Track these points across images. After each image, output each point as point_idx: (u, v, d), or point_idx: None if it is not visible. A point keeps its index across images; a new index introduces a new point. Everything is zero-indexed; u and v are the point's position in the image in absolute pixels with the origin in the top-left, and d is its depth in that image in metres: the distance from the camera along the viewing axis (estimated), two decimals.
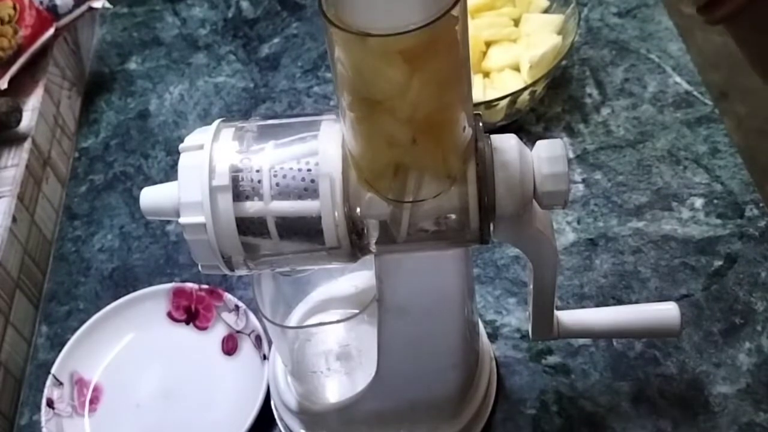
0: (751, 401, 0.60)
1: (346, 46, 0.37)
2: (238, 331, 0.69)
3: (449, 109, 0.41)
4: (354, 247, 0.44)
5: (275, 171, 0.43)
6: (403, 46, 0.36)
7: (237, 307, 0.70)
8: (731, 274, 0.67)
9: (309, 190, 0.42)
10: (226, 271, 0.46)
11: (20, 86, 0.85)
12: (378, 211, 0.43)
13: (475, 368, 0.60)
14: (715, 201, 0.72)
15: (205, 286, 0.71)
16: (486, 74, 0.80)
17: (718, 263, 0.68)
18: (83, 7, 0.90)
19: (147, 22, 1.02)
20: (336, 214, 0.42)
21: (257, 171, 0.43)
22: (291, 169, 0.43)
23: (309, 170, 0.42)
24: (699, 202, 0.72)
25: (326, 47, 0.39)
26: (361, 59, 0.38)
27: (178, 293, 0.72)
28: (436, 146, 0.41)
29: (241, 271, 0.46)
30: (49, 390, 0.67)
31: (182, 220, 0.44)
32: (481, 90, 0.78)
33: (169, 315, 0.72)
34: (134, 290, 0.72)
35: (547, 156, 0.44)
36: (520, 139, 0.45)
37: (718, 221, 0.70)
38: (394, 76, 0.38)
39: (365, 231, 0.44)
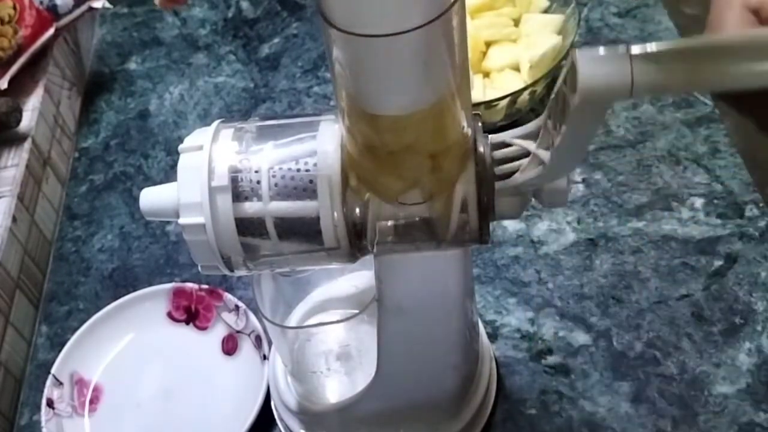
0: (751, 401, 0.60)
1: (358, 124, 0.40)
2: (238, 331, 0.69)
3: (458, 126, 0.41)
4: (353, 247, 0.44)
5: (274, 171, 0.43)
6: (411, 120, 0.38)
7: (237, 307, 0.70)
8: (731, 274, 0.67)
9: (308, 191, 0.42)
10: (226, 272, 0.46)
11: (20, 86, 0.85)
12: (377, 212, 0.43)
13: (475, 368, 0.60)
14: (715, 201, 0.72)
15: (205, 286, 0.71)
16: (486, 74, 0.80)
17: (718, 263, 0.68)
18: (83, 7, 0.90)
19: (147, 22, 1.02)
20: (335, 214, 0.42)
21: (256, 171, 0.43)
22: (290, 169, 0.43)
23: (308, 170, 0.42)
24: (699, 202, 0.72)
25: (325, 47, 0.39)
26: (373, 133, 0.40)
27: (178, 293, 0.72)
28: (452, 165, 0.42)
29: (241, 272, 0.46)
30: (49, 390, 0.67)
31: (182, 220, 0.44)
32: (481, 90, 0.78)
33: (169, 315, 0.72)
34: (134, 290, 0.72)
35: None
36: None
37: (718, 221, 0.70)
38: (405, 139, 0.40)
39: (364, 231, 0.44)
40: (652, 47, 0.33)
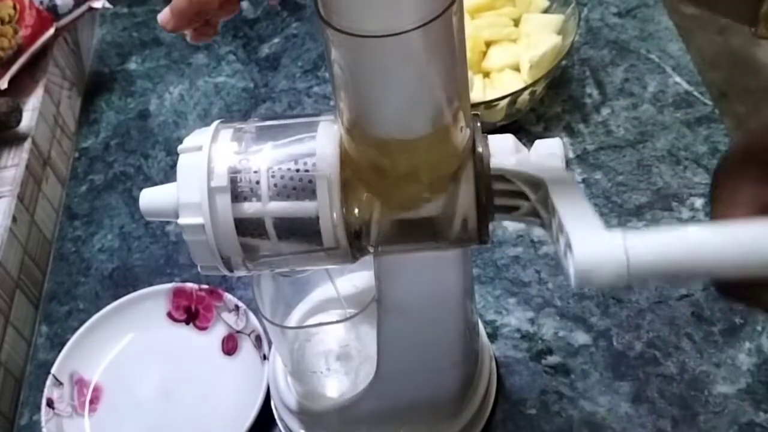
0: (751, 401, 0.60)
1: (361, 143, 0.41)
2: (238, 331, 0.69)
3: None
4: (352, 247, 0.44)
5: (273, 172, 0.43)
6: (414, 144, 0.40)
7: (237, 307, 0.70)
8: None
9: (307, 191, 0.42)
10: (226, 272, 0.46)
11: (20, 86, 0.85)
12: (376, 211, 0.43)
13: (475, 368, 0.60)
14: None
15: (205, 286, 0.71)
16: (486, 74, 0.80)
17: None
18: (83, 7, 0.90)
19: (147, 22, 1.02)
20: (334, 214, 0.42)
21: (255, 172, 0.43)
22: (289, 169, 0.43)
23: (307, 171, 0.42)
24: (699, 202, 0.72)
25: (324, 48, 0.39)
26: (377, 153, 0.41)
27: (178, 293, 0.72)
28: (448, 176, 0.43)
29: (240, 272, 0.46)
30: (49, 390, 0.67)
31: (181, 221, 0.44)
32: (481, 90, 0.78)
33: (169, 315, 0.72)
34: (134, 290, 0.72)
35: (545, 155, 0.44)
36: (520, 139, 0.45)
37: None
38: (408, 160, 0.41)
39: (363, 231, 0.44)
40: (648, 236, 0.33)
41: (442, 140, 0.41)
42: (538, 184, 0.41)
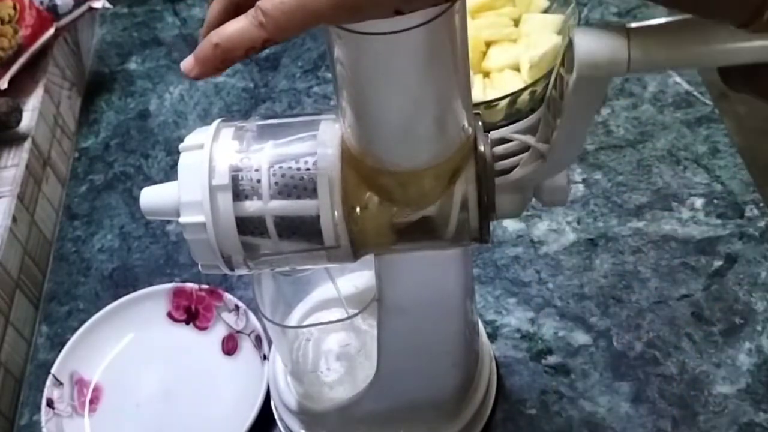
0: (751, 401, 0.60)
1: (368, 174, 0.42)
2: (238, 331, 0.69)
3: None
4: (353, 246, 0.44)
5: (274, 170, 0.43)
6: (423, 173, 0.41)
7: (237, 307, 0.70)
8: (731, 274, 0.67)
9: (308, 190, 0.42)
10: (226, 271, 0.46)
11: (20, 86, 0.85)
12: (376, 211, 0.43)
13: (474, 368, 0.60)
14: (715, 201, 0.72)
15: (205, 286, 0.71)
16: (486, 74, 0.80)
17: (718, 263, 0.68)
18: (83, 7, 0.90)
19: (147, 22, 1.02)
20: (335, 213, 0.42)
21: (256, 170, 0.43)
22: (290, 168, 0.43)
23: (308, 169, 0.42)
24: (699, 202, 0.72)
25: (326, 47, 0.39)
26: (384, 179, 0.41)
27: (178, 293, 0.72)
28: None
29: (241, 271, 0.46)
30: (49, 390, 0.67)
31: (182, 219, 0.44)
32: (481, 90, 0.78)
33: (169, 315, 0.72)
34: (134, 290, 0.72)
35: None
36: None
37: (718, 221, 0.70)
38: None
39: (364, 230, 0.44)
40: (651, 22, 0.33)
41: (452, 168, 0.41)
42: (534, 127, 0.43)
